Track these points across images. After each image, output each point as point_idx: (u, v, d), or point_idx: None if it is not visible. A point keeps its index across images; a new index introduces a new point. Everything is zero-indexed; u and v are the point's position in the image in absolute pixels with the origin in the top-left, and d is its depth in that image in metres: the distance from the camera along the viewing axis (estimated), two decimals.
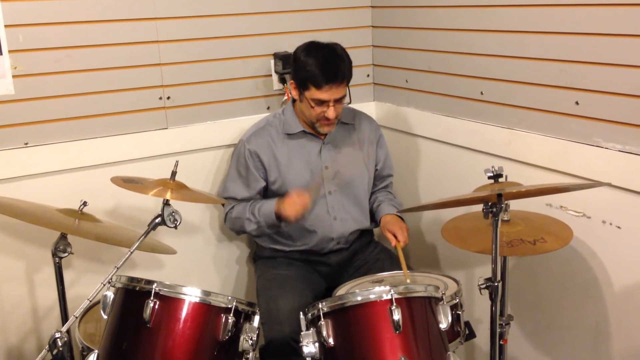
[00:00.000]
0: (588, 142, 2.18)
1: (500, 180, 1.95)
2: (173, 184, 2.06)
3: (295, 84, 2.48)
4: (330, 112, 2.42)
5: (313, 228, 2.57)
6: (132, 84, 2.58)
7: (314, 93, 2.40)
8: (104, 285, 1.90)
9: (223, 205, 2.68)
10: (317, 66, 2.38)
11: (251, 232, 2.59)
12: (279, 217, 2.47)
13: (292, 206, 2.43)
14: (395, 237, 2.48)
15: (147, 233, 1.99)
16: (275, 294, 2.43)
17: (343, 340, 1.81)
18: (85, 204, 2.18)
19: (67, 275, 2.32)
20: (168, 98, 2.66)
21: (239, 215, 2.57)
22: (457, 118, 2.68)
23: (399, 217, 2.59)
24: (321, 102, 2.41)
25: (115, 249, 2.47)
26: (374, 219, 2.72)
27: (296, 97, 2.51)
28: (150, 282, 1.84)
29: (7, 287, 2.51)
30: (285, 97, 2.85)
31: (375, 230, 2.84)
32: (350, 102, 2.51)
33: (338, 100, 2.43)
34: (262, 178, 2.55)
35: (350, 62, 2.46)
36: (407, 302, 1.81)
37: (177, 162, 2.10)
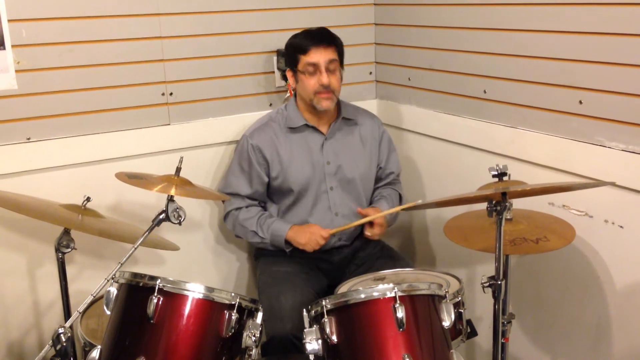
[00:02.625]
0: (591, 141, 2.18)
1: (504, 178, 1.96)
2: (177, 180, 2.06)
3: (289, 67, 2.56)
4: (324, 78, 2.45)
5: (315, 223, 2.57)
6: (135, 79, 2.58)
7: (303, 59, 2.46)
8: (108, 281, 1.90)
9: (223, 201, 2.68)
10: (302, 37, 2.50)
11: (253, 243, 2.60)
12: (288, 242, 2.50)
13: (309, 243, 2.47)
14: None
15: (151, 229, 1.98)
16: (277, 290, 2.43)
17: (346, 338, 1.81)
18: (88, 199, 2.18)
19: (69, 271, 2.31)
20: (171, 94, 2.66)
21: (244, 224, 2.57)
22: (459, 116, 2.68)
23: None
24: (313, 69, 2.45)
25: (116, 244, 2.47)
26: None
27: (293, 82, 2.57)
28: (154, 278, 1.83)
29: (9, 282, 2.51)
30: (288, 94, 2.85)
31: None
32: (343, 69, 2.55)
33: (330, 69, 2.46)
34: (264, 174, 2.55)
35: (337, 36, 2.54)
36: (410, 300, 1.81)
37: (181, 158, 2.09)
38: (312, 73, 2.46)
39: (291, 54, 2.54)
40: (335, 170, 2.59)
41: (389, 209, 2.57)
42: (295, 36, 2.56)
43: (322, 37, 2.48)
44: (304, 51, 2.46)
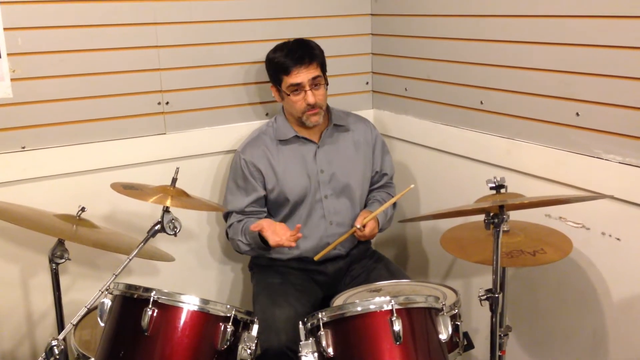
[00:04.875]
0: (588, 154, 2.18)
1: (502, 191, 1.95)
2: (173, 190, 2.05)
3: (273, 85, 2.54)
4: (309, 97, 2.44)
5: (309, 233, 2.56)
6: (131, 88, 2.57)
7: (286, 81, 2.45)
8: (102, 292, 1.88)
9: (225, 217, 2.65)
10: (282, 56, 2.47)
11: (247, 253, 2.57)
12: (262, 239, 2.41)
13: (274, 235, 2.36)
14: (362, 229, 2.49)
15: (146, 240, 1.97)
16: (272, 302, 2.41)
17: (343, 351, 1.80)
18: (83, 209, 2.17)
19: (62, 281, 2.29)
20: (167, 103, 2.65)
21: (233, 236, 2.55)
22: (456, 127, 2.68)
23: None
24: (297, 89, 2.44)
25: (111, 254, 2.46)
26: None
27: (278, 98, 2.56)
28: (148, 290, 1.82)
29: (2, 292, 2.49)
30: None
31: (373, 239, 2.82)
32: (327, 84, 2.53)
33: (315, 85, 2.46)
34: (260, 187, 2.54)
35: (319, 47, 2.53)
36: (407, 313, 1.80)
37: (177, 168, 2.08)
38: (296, 92, 2.45)
39: (273, 72, 2.52)
40: (329, 178, 2.58)
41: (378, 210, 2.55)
42: (274, 51, 2.52)
43: (303, 55, 2.45)
44: (286, 72, 2.44)
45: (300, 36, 2.78)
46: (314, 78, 2.45)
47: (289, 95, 2.47)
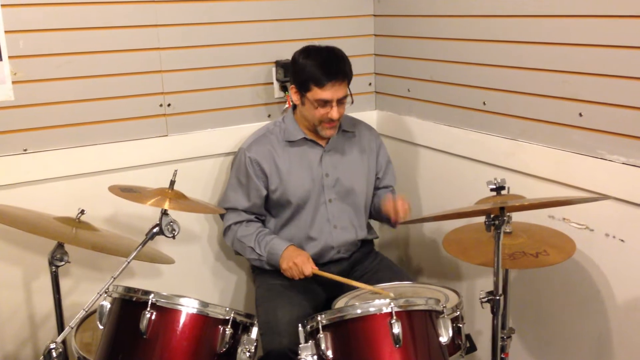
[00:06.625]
0: (591, 154, 2.16)
1: (503, 192, 1.93)
2: (171, 193, 2.04)
3: (296, 88, 2.46)
4: (334, 113, 2.40)
5: (313, 237, 2.55)
6: (133, 90, 2.57)
7: (316, 93, 2.38)
8: (101, 295, 1.88)
9: (222, 216, 2.65)
10: (317, 66, 2.38)
11: (250, 260, 2.56)
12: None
13: (290, 269, 2.40)
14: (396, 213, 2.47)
15: (144, 243, 1.97)
16: (274, 304, 2.40)
17: (342, 354, 1.79)
18: (82, 212, 2.17)
19: (64, 283, 2.30)
20: (169, 105, 2.65)
21: (242, 239, 2.53)
22: (459, 128, 2.66)
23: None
24: (324, 103, 2.39)
25: (112, 256, 2.45)
26: (374, 217, 2.73)
27: (297, 101, 2.49)
28: (147, 293, 1.82)
29: (4, 294, 2.49)
30: (287, 105, 2.84)
31: (376, 241, 2.82)
32: (352, 102, 2.48)
33: (341, 101, 2.41)
34: (263, 187, 2.53)
35: (349, 62, 2.45)
36: (407, 316, 1.80)
37: (175, 171, 2.08)
38: (322, 105, 2.41)
39: (302, 79, 2.41)
40: (334, 182, 2.57)
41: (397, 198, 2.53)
42: (306, 56, 2.43)
43: (338, 72, 2.38)
44: (319, 85, 2.36)
45: (303, 38, 2.79)
46: (344, 96, 2.41)
47: (315, 107, 2.41)
